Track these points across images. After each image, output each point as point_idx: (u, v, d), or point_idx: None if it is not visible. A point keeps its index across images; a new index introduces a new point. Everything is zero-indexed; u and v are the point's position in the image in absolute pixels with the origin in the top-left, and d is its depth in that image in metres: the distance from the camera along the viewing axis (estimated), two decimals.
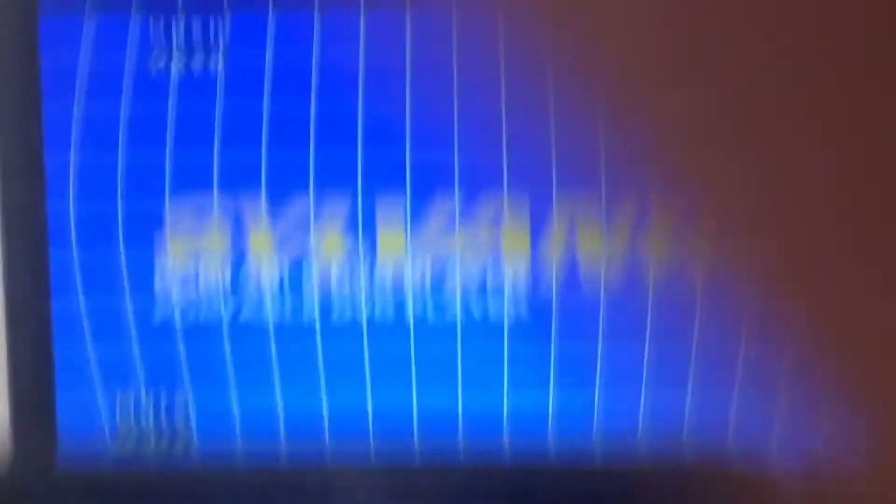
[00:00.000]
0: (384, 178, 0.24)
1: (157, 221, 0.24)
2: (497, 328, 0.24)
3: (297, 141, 0.24)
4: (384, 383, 0.24)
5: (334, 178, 0.24)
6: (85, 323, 0.24)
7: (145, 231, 0.24)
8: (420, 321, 0.24)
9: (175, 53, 0.24)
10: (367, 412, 0.24)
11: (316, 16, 0.24)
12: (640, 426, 0.24)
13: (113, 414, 0.25)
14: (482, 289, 0.24)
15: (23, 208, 0.24)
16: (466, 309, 0.24)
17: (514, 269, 0.24)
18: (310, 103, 0.24)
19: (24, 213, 0.24)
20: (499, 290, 0.24)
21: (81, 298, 0.24)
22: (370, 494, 0.24)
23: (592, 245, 0.24)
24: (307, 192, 0.24)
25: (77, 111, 0.24)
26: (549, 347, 0.24)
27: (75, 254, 0.24)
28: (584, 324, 0.24)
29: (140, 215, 0.24)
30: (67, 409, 0.25)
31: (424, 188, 0.24)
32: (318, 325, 0.24)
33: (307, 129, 0.24)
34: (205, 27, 0.24)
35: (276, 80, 0.24)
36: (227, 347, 0.24)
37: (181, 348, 0.24)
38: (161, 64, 0.24)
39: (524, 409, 0.24)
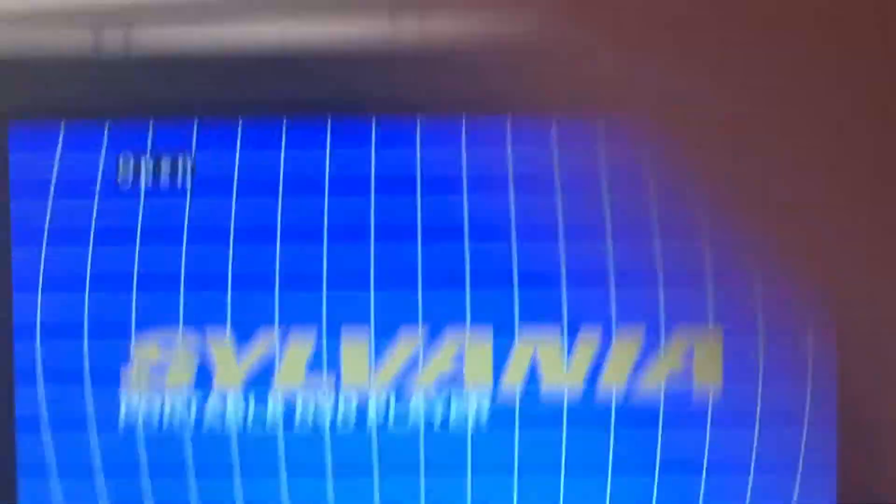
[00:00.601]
0: (350, 313, 0.24)
1: (123, 352, 0.24)
2: (459, 443, 0.24)
3: (266, 263, 0.24)
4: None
5: (301, 312, 0.24)
6: (51, 460, 0.24)
7: (111, 363, 0.24)
8: (382, 430, 0.24)
9: (143, 161, 0.24)
10: None
11: (284, 126, 0.24)
12: None
13: None
14: (444, 419, 0.24)
15: None
16: (429, 428, 0.24)
17: (476, 399, 0.24)
18: (277, 211, 0.24)
19: None
20: (462, 417, 0.24)
21: (48, 434, 0.24)
22: None
23: (554, 373, 0.24)
24: (274, 328, 0.24)
25: (47, 223, 0.24)
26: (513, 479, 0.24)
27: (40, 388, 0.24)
28: (546, 452, 0.24)
29: (105, 349, 0.24)
30: None
31: (389, 323, 0.24)
32: (280, 448, 0.24)
33: (274, 235, 0.24)
34: (171, 133, 0.24)
35: (242, 191, 0.24)
36: (192, 482, 0.24)
37: (146, 482, 0.24)
38: (133, 172, 0.24)
39: None
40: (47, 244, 0.24)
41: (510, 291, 0.24)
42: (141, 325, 0.24)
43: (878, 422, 0.23)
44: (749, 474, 0.24)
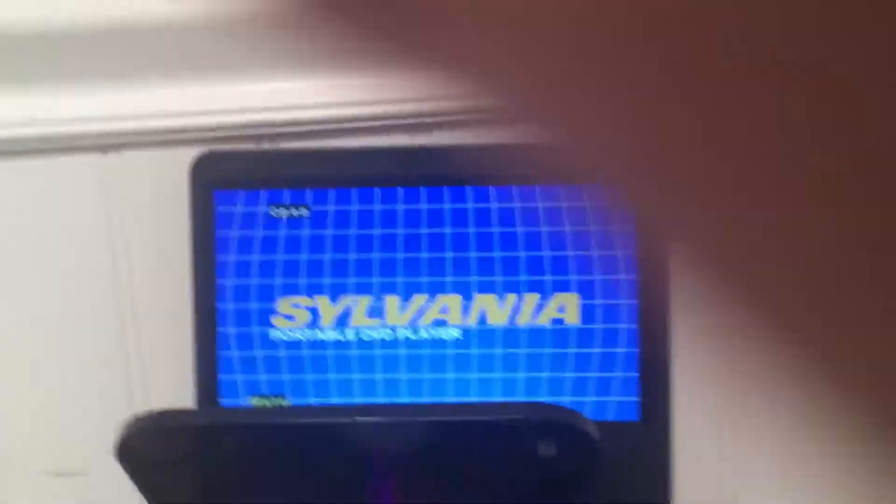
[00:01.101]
0: (389, 288, 0.48)
1: (271, 310, 0.48)
2: (442, 354, 0.47)
3: (346, 267, 0.48)
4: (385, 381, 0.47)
5: (363, 287, 0.48)
6: (237, 366, 0.48)
7: (266, 316, 0.48)
8: (406, 346, 0.47)
9: (283, 209, 0.47)
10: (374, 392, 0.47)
11: (354, 192, 0.48)
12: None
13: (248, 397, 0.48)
14: (437, 340, 0.47)
15: (205, 307, 0.48)
16: (430, 345, 0.47)
17: (454, 330, 0.47)
18: (353, 242, 0.47)
19: (205, 311, 0.48)
20: (446, 336, 0.47)
21: (235, 352, 0.48)
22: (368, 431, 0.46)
23: (495, 316, 0.47)
24: (351, 294, 0.48)
25: (232, 251, 0.47)
26: (475, 367, 0.47)
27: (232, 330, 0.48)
28: (489, 359, 0.47)
29: (264, 308, 0.48)
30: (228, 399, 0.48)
31: (407, 292, 0.48)
32: (356, 353, 0.48)
33: (348, 250, 0.48)
34: (298, 194, 0.48)
35: (338, 225, 0.48)
36: (309, 376, 0.47)
37: (286, 376, 0.48)
38: (278, 213, 0.48)
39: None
40: (230, 263, 0.48)
41: (470, 277, 0.47)
42: (281, 294, 0.48)
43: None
44: (596, 371, 0.47)
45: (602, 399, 0.48)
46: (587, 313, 0.47)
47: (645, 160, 0.13)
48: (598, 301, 0.47)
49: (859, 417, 0.14)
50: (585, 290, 0.47)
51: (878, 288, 0.12)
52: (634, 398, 0.47)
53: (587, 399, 0.48)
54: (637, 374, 0.47)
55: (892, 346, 0.12)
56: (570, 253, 0.47)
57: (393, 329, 0.48)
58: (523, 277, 0.47)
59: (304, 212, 0.48)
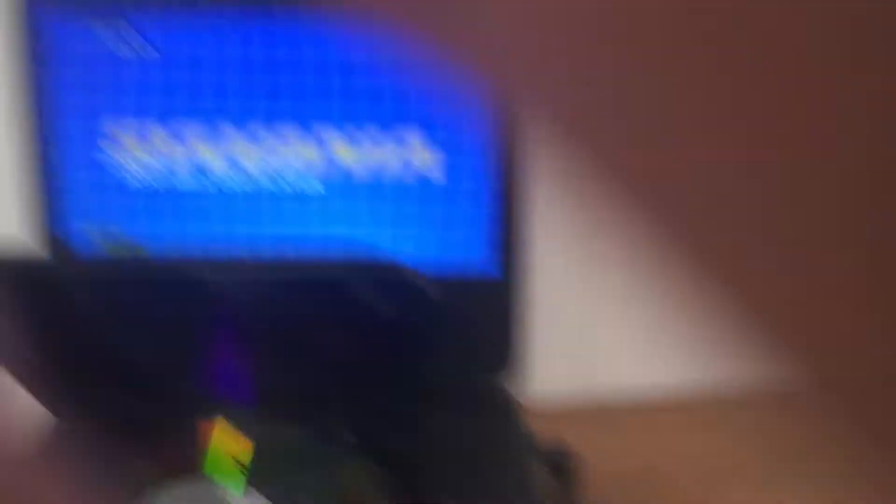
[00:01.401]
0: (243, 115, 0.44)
1: (102, 135, 0.44)
2: (305, 208, 0.45)
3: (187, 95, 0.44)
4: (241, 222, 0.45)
5: (200, 114, 0.44)
6: (80, 207, 0.44)
7: (94, 141, 0.44)
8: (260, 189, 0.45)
9: (116, 32, 0.43)
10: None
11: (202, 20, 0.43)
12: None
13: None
14: (293, 174, 0.45)
15: (42, 139, 0.44)
16: (288, 184, 0.45)
17: (317, 181, 0.45)
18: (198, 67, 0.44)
19: (43, 144, 0.44)
20: (308, 188, 0.45)
21: (79, 191, 0.44)
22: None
23: (347, 159, 0.45)
24: (191, 123, 0.44)
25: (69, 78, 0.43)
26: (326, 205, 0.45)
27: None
28: (341, 194, 0.45)
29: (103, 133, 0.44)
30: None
31: (260, 123, 0.44)
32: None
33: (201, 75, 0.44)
34: (130, 16, 0.43)
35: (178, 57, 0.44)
36: (163, 214, 0.44)
37: (138, 220, 0.44)
38: (118, 47, 0.43)
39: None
40: (69, 89, 0.43)
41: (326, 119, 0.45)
42: (112, 121, 0.44)
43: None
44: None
45: (464, 255, 0.46)
46: (451, 170, 0.45)
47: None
48: (462, 158, 0.45)
49: (719, 285, 0.13)
50: (449, 147, 0.45)
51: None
52: (495, 255, 0.46)
53: (449, 254, 0.46)
54: (498, 231, 0.46)
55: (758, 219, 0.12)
56: (433, 109, 0.45)
57: (250, 177, 0.45)
58: (367, 109, 0.45)
59: (133, 34, 0.44)
